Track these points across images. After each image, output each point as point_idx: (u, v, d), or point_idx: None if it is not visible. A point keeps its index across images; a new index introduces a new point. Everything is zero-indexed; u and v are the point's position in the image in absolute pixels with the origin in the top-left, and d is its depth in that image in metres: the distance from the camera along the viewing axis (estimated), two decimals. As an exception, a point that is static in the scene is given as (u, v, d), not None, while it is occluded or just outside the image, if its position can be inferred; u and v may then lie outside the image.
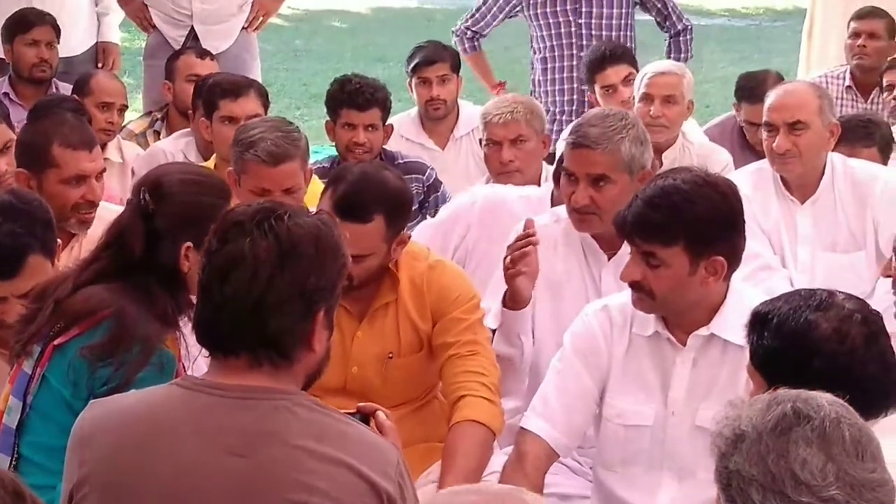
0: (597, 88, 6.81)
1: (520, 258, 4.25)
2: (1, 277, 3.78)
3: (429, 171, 6.20)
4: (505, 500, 2.20)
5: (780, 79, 6.65)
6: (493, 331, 4.30)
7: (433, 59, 6.82)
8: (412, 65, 6.85)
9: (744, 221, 3.78)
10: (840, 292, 3.16)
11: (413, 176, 6.06)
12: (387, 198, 3.98)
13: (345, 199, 3.93)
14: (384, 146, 6.11)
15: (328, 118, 6.10)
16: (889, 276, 4.09)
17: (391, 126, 6.16)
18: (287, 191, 4.67)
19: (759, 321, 3.12)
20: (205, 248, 2.80)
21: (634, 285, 3.75)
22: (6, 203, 3.86)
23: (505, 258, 4.28)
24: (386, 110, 6.06)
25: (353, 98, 5.95)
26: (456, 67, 6.88)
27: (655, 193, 3.70)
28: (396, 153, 6.23)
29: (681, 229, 3.66)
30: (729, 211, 3.74)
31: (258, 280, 2.71)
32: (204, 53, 6.92)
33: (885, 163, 5.64)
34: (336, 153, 6.16)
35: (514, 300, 4.29)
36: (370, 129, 5.95)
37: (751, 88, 6.67)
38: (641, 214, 3.69)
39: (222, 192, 3.62)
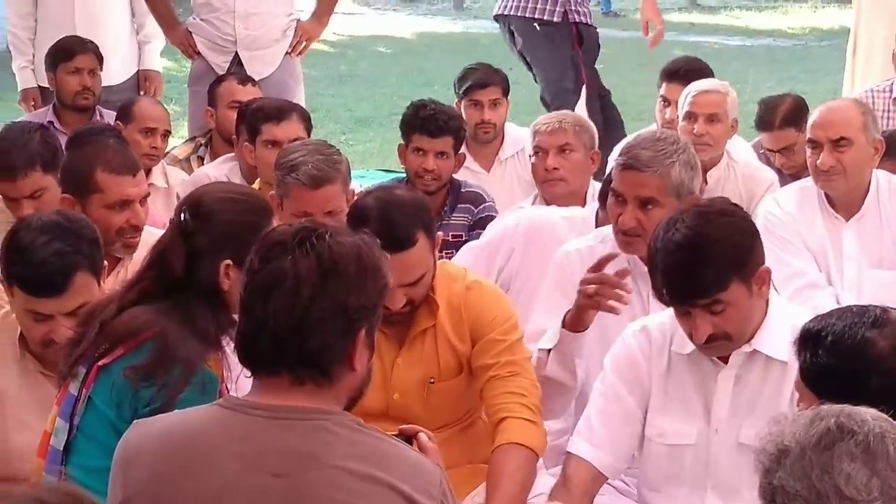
0: (660, 93, 6.83)
1: (608, 296, 4.07)
2: (49, 294, 3.81)
3: (484, 205, 6.09)
4: None
5: (798, 103, 6.52)
6: (548, 350, 4.21)
7: (486, 82, 6.78)
8: (464, 87, 6.78)
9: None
10: (894, 309, 3.13)
11: (465, 206, 6.06)
12: (415, 212, 3.98)
13: (384, 235, 3.41)
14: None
15: (401, 141, 6.09)
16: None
17: (463, 155, 6.14)
18: (329, 213, 4.67)
19: (812, 338, 3.08)
20: (247, 268, 2.81)
21: (710, 338, 3.69)
22: (54, 222, 3.91)
23: (587, 286, 4.09)
24: (459, 139, 6.03)
25: (425, 124, 5.94)
26: (506, 91, 6.84)
27: (687, 256, 3.61)
28: (463, 182, 6.18)
29: (727, 268, 3.63)
30: (745, 223, 3.75)
31: (300, 298, 2.71)
32: (245, 80, 6.93)
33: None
34: (402, 175, 6.17)
35: (575, 324, 4.15)
36: (441, 156, 5.93)
37: (761, 116, 6.60)
38: (691, 278, 3.62)
39: (262, 210, 3.64)
